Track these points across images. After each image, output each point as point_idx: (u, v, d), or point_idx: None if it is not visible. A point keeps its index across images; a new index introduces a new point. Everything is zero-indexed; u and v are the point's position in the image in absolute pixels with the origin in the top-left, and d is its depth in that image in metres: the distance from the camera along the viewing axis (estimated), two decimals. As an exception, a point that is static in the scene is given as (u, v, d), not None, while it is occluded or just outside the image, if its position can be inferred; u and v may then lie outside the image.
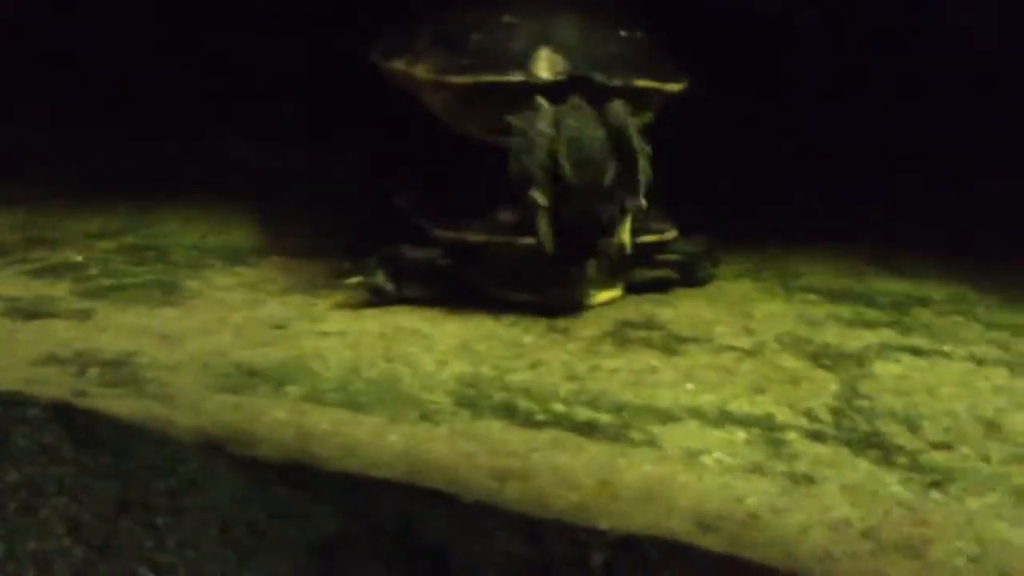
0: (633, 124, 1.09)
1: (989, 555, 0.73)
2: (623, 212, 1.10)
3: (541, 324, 1.11)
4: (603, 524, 0.75)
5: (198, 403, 0.91)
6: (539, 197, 1.06)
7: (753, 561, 0.69)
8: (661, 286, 1.25)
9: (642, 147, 1.09)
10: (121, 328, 1.08)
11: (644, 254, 1.21)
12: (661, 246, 1.22)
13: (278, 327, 1.08)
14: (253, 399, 0.92)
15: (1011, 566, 0.71)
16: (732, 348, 1.07)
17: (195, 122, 1.75)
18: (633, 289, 1.23)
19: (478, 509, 0.74)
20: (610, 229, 1.09)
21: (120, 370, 0.97)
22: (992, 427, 0.91)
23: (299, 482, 0.77)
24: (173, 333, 1.06)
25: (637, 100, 1.13)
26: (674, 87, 1.18)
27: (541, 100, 1.09)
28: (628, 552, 0.71)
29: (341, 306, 1.15)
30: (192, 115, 1.76)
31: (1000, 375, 1.02)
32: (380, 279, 1.14)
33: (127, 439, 0.83)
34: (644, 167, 1.09)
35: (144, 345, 1.03)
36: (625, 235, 1.11)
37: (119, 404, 0.89)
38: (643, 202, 1.09)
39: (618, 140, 1.09)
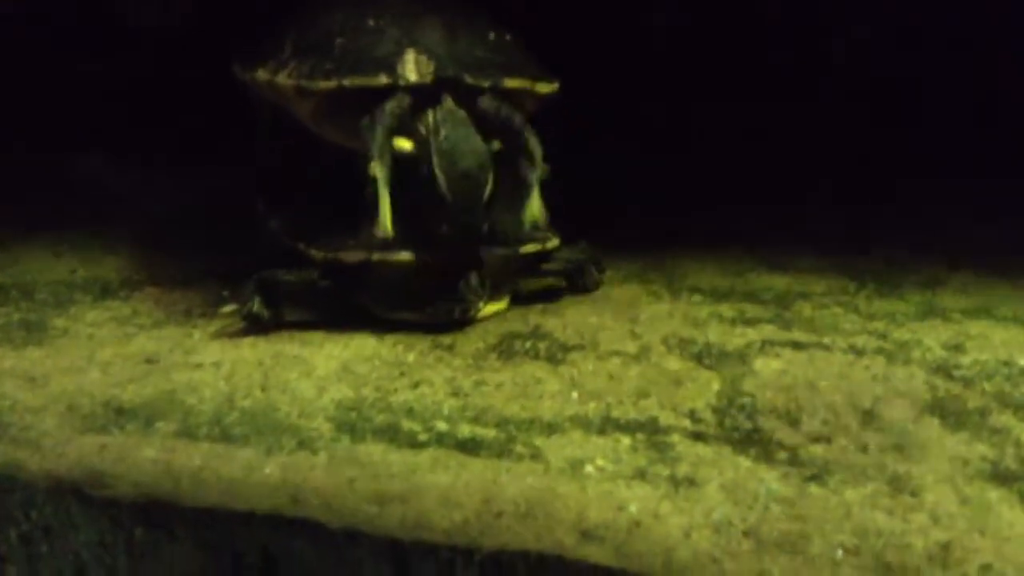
0: (506, 107, 1.10)
1: (867, 546, 0.73)
2: (527, 186, 1.09)
3: (425, 341, 1.09)
4: (485, 542, 0.73)
5: (61, 446, 0.86)
6: (376, 169, 1.04)
7: (619, 568, 0.68)
8: (548, 295, 1.24)
9: (523, 122, 1.10)
10: (-17, 372, 1.02)
11: (529, 263, 1.20)
12: (545, 255, 1.20)
13: (149, 361, 1.04)
14: (120, 438, 0.88)
15: (888, 555, 0.72)
16: (618, 353, 1.06)
17: (46, 142, 1.68)
18: (520, 300, 1.21)
19: (345, 536, 0.71)
20: (486, 240, 1.08)
21: (-19, 416, 0.93)
22: (870, 417, 0.92)
23: (159, 521, 0.74)
24: (38, 374, 1.01)
25: (508, 102, 1.12)
26: (545, 87, 1.17)
27: (399, 93, 1.08)
28: (497, 570, 0.69)
29: (217, 336, 1.11)
30: (42, 135, 1.68)
31: (878, 364, 1.03)
32: (256, 306, 1.10)
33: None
34: (533, 140, 1.09)
35: (7, 388, 0.98)
36: (536, 210, 1.10)
37: (-24, 452, 0.85)
38: (545, 167, 1.09)
39: (496, 125, 1.08)
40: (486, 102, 1.10)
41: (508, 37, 1.18)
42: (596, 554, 0.72)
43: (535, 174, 1.09)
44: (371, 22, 1.12)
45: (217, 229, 1.45)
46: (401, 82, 1.07)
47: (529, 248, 1.16)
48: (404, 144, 1.07)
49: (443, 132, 1.06)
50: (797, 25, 1.78)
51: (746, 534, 0.75)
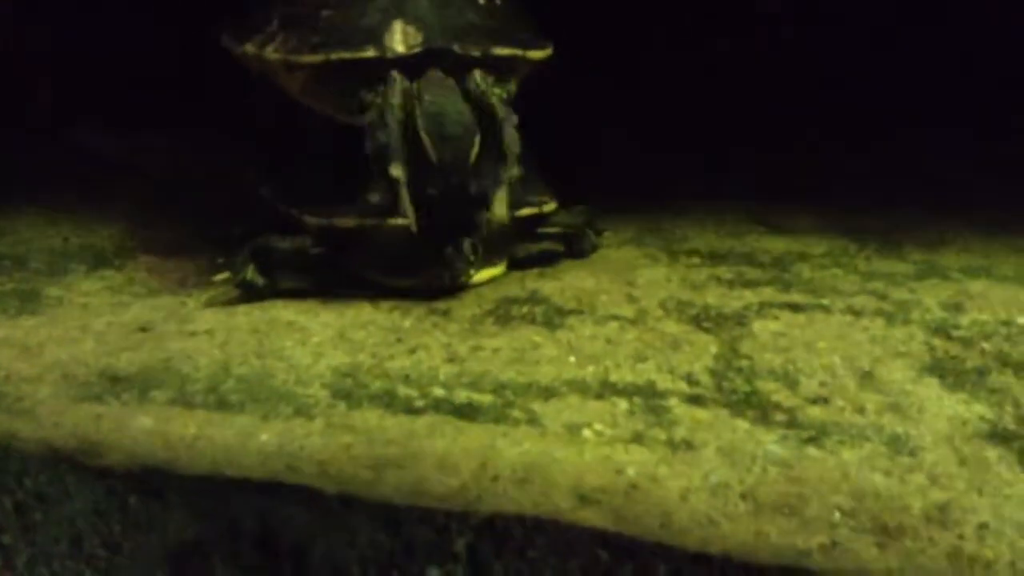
0: (495, 94, 1.07)
1: (864, 508, 0.73)
2: (497, 184, 1.07)
3: (421, 307, 1.09)
4: (482, 507, 0.73)
5: (57, 415, 0.86)
6: (397, 172, 1.03)
7: (614, 531, 0.68)
8: (546, 260, 1.23)
9: (507, 115, 1.07)
10: (-23, 342, 1.02)
11: (526, 228, 1.19)
12: (542, 219, 1.19)
13: (144, 330, 1.03)
14: (116, 407, 0.87)
15: (885, 517, 0.72)
16: (615, 317, 1.06)
17: (40, 111, 1.66)
18: (517, 265, 1.21)
19: (340, 502, 0.71)
20: (480, 203, 1.06)
21: (-25, 386, 0.92)
22: (868, 378, 0.92)
23: (154, 490, 0.73)
24: (32, 343, 1.01)
25: (499, 70, 1.10)
26: (537, 54, 1.15)
27: (394, 74, 1.06)
28: (491, 534, 0.69)
29: (212, 304, 1.10)
30: (36, 103, 1.66)
31: (877, 325, 1.02)
32: (250, 273, 1.10)
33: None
34: (511, 136, 1.06)
35: (2, 358, 0.98)
36: (501, 208, 1.08)
37: (-30, 422, 0.84)
38: (516, 171, 1.07)
39: (481, 112, 1.06)
40: (473, 83, 1.08)
41: (499, 2, 1.16)
42: (593, 518, 0.72)
43: (506, 173, 1.07)
44: None
45: (211, 196, 1.43)
46: (389, 54, 1.06)
47: (526, 212, 1.15)
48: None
49: (427, 97, 1.05)
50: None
51: (743, 496, 0.74)
